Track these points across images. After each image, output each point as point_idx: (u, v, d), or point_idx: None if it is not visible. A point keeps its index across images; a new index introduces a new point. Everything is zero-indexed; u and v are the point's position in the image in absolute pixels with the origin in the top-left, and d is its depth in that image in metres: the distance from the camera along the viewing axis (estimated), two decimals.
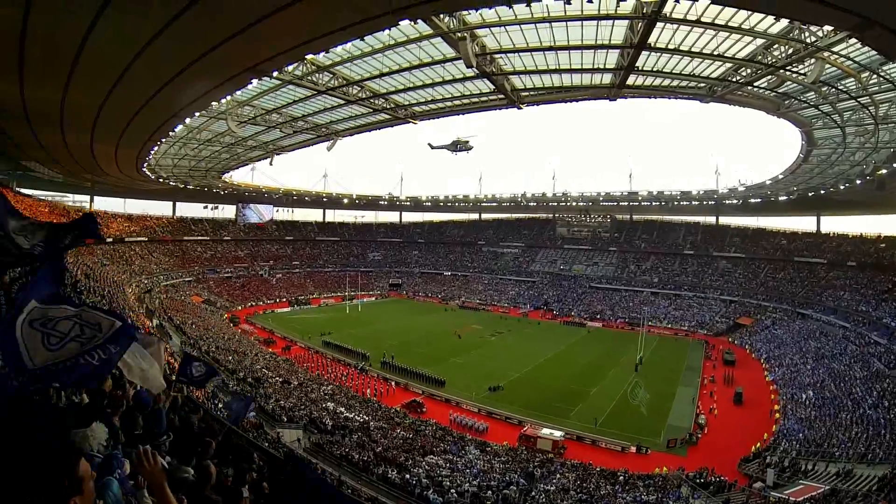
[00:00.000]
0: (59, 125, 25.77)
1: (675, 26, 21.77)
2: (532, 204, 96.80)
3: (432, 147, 57.46)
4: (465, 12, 21.74)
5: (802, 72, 24.19)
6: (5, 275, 6.80)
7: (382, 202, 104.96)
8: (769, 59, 24.00)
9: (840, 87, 26.10)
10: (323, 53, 22.54)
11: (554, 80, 31.42)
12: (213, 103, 27.82)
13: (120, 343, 3.74)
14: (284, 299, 79.23)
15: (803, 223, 76.76)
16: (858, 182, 43.49)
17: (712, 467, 25.91)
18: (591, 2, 18.88)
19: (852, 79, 24.31)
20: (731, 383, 42.46)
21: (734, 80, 28.07)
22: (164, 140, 34.80)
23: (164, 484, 2.79)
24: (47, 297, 3.71)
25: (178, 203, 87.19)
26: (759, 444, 30.12)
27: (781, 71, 24.72)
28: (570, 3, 18.02)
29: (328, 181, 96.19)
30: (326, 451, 25.20)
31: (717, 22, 21.01)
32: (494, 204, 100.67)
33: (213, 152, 48.51)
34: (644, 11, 20.10)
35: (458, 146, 53.97)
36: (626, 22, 22.12)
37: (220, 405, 22.66)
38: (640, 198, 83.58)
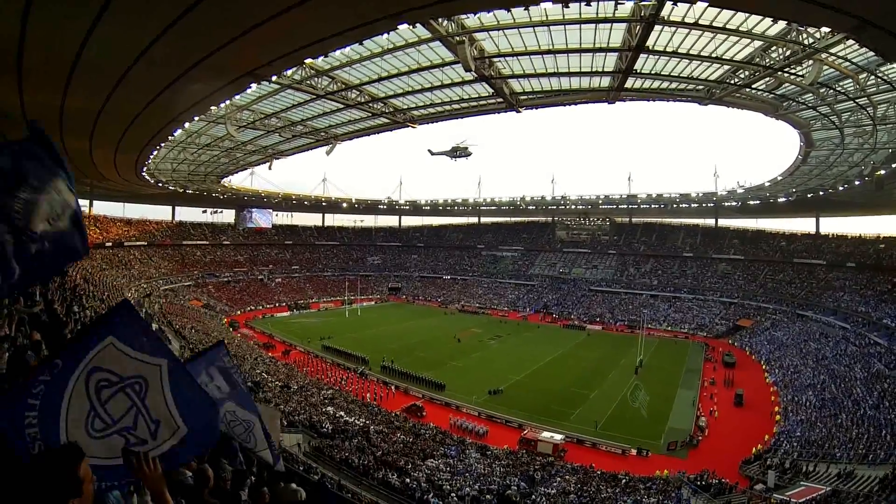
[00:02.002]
0: (58, 130, 25.76)
1: (673, 29, 21.85)
2: (531, 207, 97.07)
3: (432, 153, 57.59)
4: (463, 16, 21.80)
5: (800, 73, 24.27)
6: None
7: (381, 206, 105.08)
8: (767, 60, 24.10)
9: (838, 89, 26.19)
10: (322, 57, 22.67)
11: (552, 84, 31.53)
12: (213, 108, 27.86)
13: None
14: (284, 304, 79.17)
15: (802, 224, 77.12)
16: (857, 183, 43.59)
17: (713, 469, 25.83)
18: (590, 5, 18.91)
19: (850, 80, 24.36)
20: (732, 385, 42.40)
21: (732, 82, 28.14)
22: (163, 144, 34.80)
23: (163, 489, 2.76)
24: (129, 337, 2.96)
25: (177, 207, 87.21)
26: (759, 446, 30.05)
27: (779, 73, 24.81)
28: (567, 7, 18.10)
29: (327, 185, 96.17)
30: (326, 456, 25.10)
31: (714, 24, 21.08)
32: (493, 207, 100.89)
33: (213, 157, 48.53)
34: (642, 14, 20.19)
35: (458, 152, 54.08)
36: (623, 25, 22.24)
37: None
38: (639, 200, 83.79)
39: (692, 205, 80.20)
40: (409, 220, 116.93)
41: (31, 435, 2.59)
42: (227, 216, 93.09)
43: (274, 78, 25.51)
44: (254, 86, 23.95)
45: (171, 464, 3.00)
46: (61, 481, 1.99)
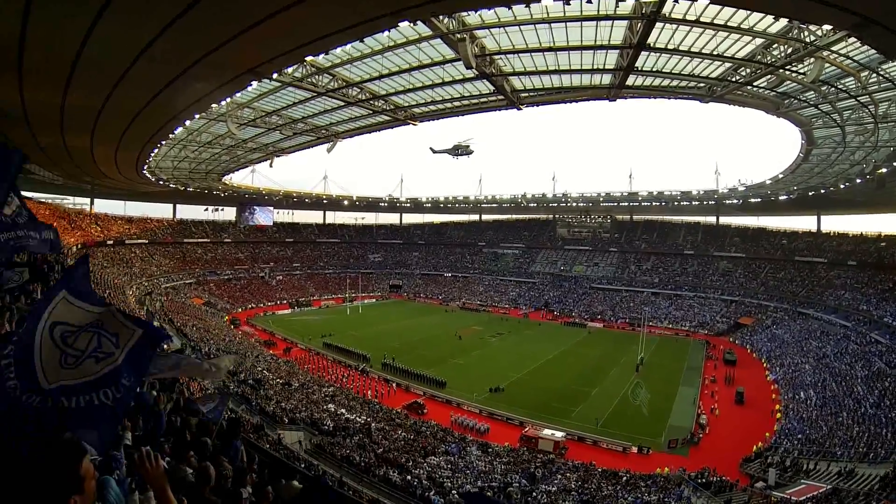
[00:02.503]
0: (58, 128, 25.79)
1: (675, 26, 21.78)
2: (532, 205, 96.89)
3: (434, 152, 57.51)
4: (464, 13, 21.76)
5: (802, 71, 24.20)
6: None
7: (383, 204, 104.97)
8: (768, 58, 24.01)
9: (839, 86, 26.08)
10: (323, 55, 22.56)
11: (553, 81, 31.45)
12: (213, 105, 27.81)
13: (136, 368, 3.36)
14: (285, 301, 79.17)
15: (803, 223, 76.90)
16: (858, 181, 43.48)
17: (714, 467, 25.87)
18: (591, 2, 18.90)
19: (852, 78, 24.30)
20: (732, 383, 42.40)
21: (733, 79, 28.08)
22: (163, 142, 34.81)
23: (165, 486, 2.77)
24: (78, 290, 3.44)
25: (178, 205, 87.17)
26: (760, 444, 30.08)
27: (781, 70, 24.74)
28: (569, 4, 18.02)
29: (328, 183, 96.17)
30: (328, 453, 25.16)
31: (716, 22, 21.02)
32: (494, 205, 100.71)
33: (213, 154, 48.51)
34: (643, 11, 20.13)
35: (460, 150, 54.04)
36: (625, 22, 22.17)
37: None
38: (640, 198, 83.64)
39: (693, 202, 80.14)
40: (411, 218, 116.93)
41: (12, 386, 2.88)
42: (229, 214, 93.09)
43: (275, 75, 25.51)
44: (254, 83, 23.94)
45: (145, 354, 3.43)
46: (63, 478, 2.00)
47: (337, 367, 46.35)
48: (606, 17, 21.47)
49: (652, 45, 23.62)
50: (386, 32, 20.71)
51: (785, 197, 63.00)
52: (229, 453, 6.02)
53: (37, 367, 3.02)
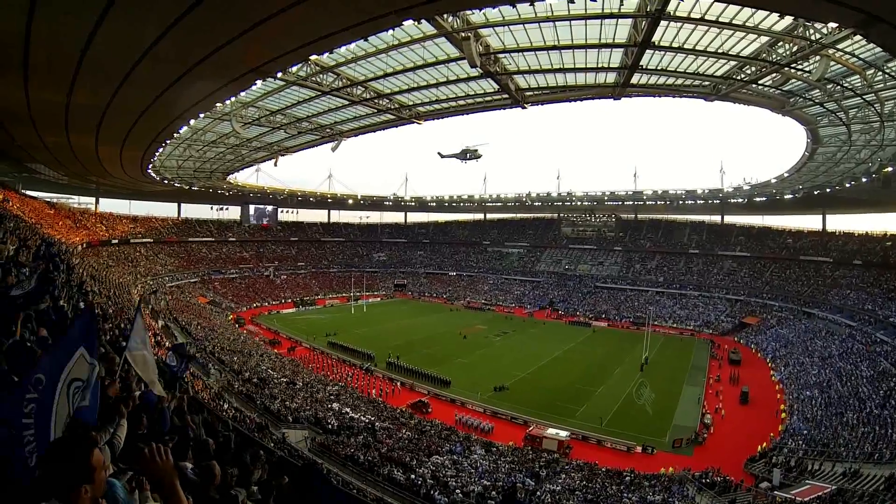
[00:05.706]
0: (63, 127, 25.88)
1: (679, 24, 21.73)
2: (537, 204, 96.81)
3: (442, 156, 57.06)
4: (468, 12, 21.73)
5: (807, 69, 24.10)
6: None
7: (387, 203, 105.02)
8: (774, 56, 23.90)
9: (845, 85, 25.94)
10: (327, 54, 22.65)
11: (558, 80, 31.37)
12: (218, 105, 27.86)
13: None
14: (289, 300, 79.34)
15: (808, 222, 76.57)
16: (864, 180, 43.24)
17: (718, 467, 25.78)
18: (595, 0, 18.85)
19: (857, 76, 24.15)
20: (737, 383, 42.27)
21: (739, 78, 27.96)
22: (168, 141, 34.89)
23: (175, 482, 2.70)
24: (91, 346, 3.62)
25: (182, 204, 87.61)
26: (765, 444, 29.96)
27: (786, 68, 24.62)
28: (573, 2, 17.99)
29: (333, 182, 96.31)
30: (332, 452, 25.19)
31: (721, 20, 20.93)
32: (499, 204, 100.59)
33: (218, 153, 48.65)
34: (648, 10, 20.06)
35: (468, 154, 53.55)
36: (629, 21, 22.07)
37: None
38: (644, 197, 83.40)
39: (698, 201, 79.93)
40: (415, 217, 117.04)
41: (29, 451, 2.83)
42: (233, 213, 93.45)
43: (279, 74, 25.51)
44: (259, 82, 23.96)
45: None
46: (74, 468, 2.02)
47: (341, 365, 46.41)
48: (611, 16, 21.39)
49: (657, 43, 23.55)
50: (390, 31, 20.70)
51: (790, 196, 62.76)
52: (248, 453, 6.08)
53: (51, 421, 3.08)
